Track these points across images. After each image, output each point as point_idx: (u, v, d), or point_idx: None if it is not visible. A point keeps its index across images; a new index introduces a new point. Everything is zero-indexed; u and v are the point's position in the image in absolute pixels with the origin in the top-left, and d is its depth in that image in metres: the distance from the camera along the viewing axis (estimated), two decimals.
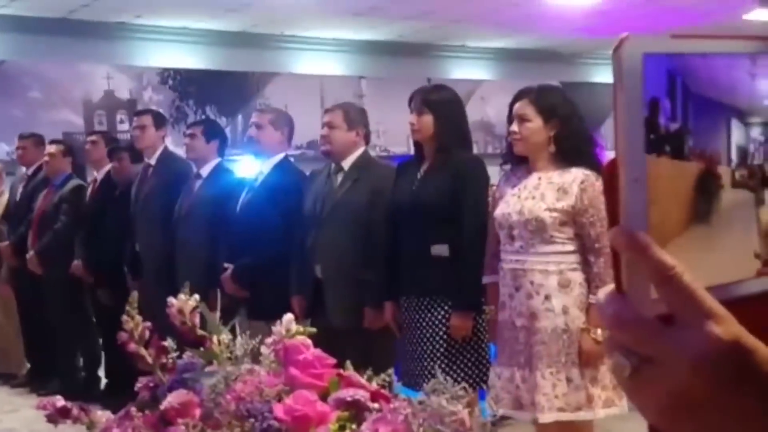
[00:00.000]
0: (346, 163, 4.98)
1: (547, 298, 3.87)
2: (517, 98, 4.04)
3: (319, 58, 12.32)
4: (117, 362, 6.83)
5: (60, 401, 1.92)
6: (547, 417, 3.84)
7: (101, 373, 7.44)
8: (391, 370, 1.80)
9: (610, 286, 0.67)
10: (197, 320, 1.91)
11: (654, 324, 0.64)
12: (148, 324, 1.90)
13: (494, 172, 4.69)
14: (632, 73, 0.63)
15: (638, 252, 0.64)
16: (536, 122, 3.94)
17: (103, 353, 7.39)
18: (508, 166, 4.18)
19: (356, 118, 5.08)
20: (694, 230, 0.67)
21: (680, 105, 0.66)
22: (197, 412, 1.68)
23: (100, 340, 7.41)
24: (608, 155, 7.74)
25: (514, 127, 3.98)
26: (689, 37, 0.66)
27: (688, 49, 0.66)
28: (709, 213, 0.68)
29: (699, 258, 0.66)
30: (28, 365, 8.03)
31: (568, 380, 3.84)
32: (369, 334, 4.67)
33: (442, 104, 4.53)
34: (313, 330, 1.86)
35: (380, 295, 4.68)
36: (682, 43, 0.66)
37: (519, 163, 4.08)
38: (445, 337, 4.36)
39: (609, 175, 0.65)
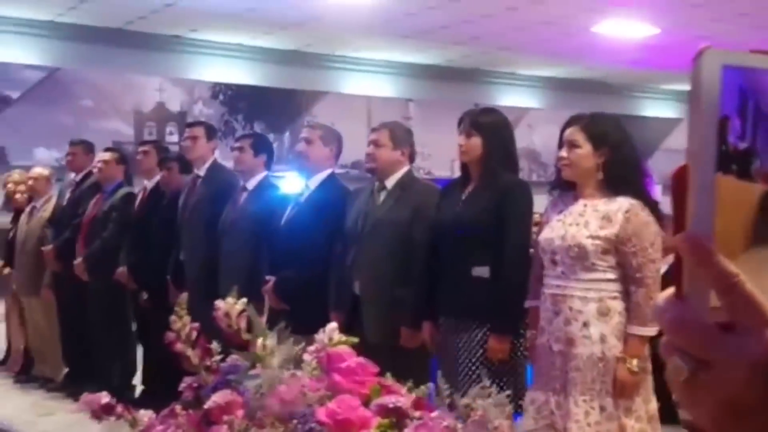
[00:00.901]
0: (390, 182, 5.01)
1: (585, 325, 3.85)
2: (568, 124, 4.04)
3: (368, 79, 12.39)
4: (154, 370, 6.90)
5: (105, 398, 1.96)
6: None
7: (136, 381, 7.48)
8: (430, 384, 1.82)
9: (669, 290, 0.67)
10: (243, 324, 1.95)
11: (713, 329, 0.65)
12: (196, 325, 1.94)
13: (538, 200, 4.69)
14: (710, 83, 0.64)
15: (702, 258, 0.64)
16: (585, 148, 3.93)
17: (141, 361, 7.44)
18: (556, 192, 4.18)
19: (402, 137, 5.11)
20: (754, 252, 0.66)
21: (750, 124, 0.66)
22: (240, 412, 1.71)
23: (138, 348, 7.47)
24: (657, 187, 7.65)
25: (563, 153, 3.98)
26: None
27: None
28: None
29: (756, 280, 0.65)
30: (66, 370, 8.07)
31: (602, 409, 3.82)
32: (405, 352, 4.66)
33: (491, 127, 4.54)
34: (355, 340, 1.89)
35: (417, 315, 4.69)
36: (762, 59, 0.66)
37: (567, 189, 4.08)
38: (482, 359, 4.35)
39: (678, 180, 0.66)
